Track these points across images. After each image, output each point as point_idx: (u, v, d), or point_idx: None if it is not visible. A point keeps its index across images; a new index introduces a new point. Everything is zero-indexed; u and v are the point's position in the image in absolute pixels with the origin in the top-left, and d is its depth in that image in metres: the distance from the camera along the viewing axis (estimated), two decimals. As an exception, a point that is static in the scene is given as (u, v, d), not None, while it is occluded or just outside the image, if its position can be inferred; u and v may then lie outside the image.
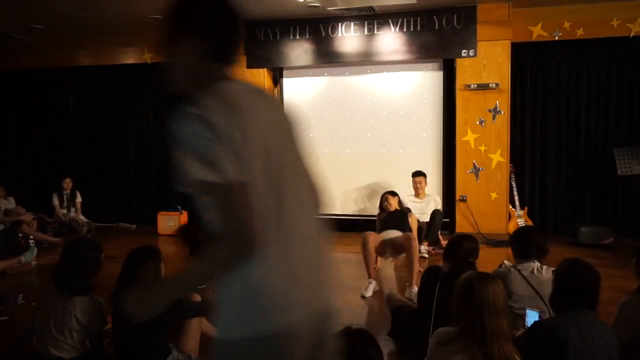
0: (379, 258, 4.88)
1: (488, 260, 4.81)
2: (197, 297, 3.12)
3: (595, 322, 2.14)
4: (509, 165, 6.43)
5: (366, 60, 6.79)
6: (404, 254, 4.66)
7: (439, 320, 2.76)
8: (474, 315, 1.91)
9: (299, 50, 6.91)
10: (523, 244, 2.99)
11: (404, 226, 4.92)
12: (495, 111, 6.37)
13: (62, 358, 2.67)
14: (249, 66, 7.09)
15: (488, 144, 6.42)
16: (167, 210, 7.32)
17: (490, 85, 6.32)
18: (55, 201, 7.49)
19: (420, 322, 2.95)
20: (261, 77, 7.11)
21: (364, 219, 6.97)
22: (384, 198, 5.26)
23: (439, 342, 2.01)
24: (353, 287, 4.64)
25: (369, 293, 4.39)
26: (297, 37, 6.88)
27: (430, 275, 3.07)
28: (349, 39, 6.72)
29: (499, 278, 2.16)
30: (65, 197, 7.51)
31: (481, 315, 1.89)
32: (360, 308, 4.24)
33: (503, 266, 3.31)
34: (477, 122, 6.43)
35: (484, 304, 1.90)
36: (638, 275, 2.72)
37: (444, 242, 5.90)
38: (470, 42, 6.33)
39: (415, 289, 3.93)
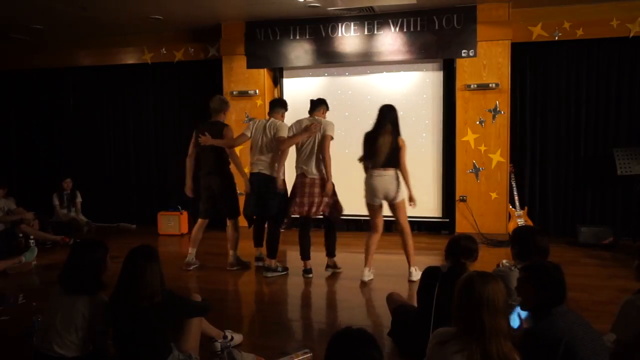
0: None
1: (488, 260, 4.82)
2: (198, 297, 3.12)
3: (574, 314, 2.18)
4: (509, 165, 6.44)
5: (366, 61, 6.79)
6: None
7: (439, 320, 2.77)
8: (473, 313, 1.91)
9: (299, 51, 6.91)
10: (524, 245, 2.97)
11: None
12: (495, 111, 6.37)
13: (65, 356, 2.68)
14: (249, 66, 7.10)
15: (488, 144, 6.42)
16: (167, 210, 7.33)
17: (490, 85, 6.32)
18: (56, 201, 7.49)
19: (420, 322, 2.95)
20: (261, 77, 7.11)
21: (364, 220, 6.97)
22: None
23: (438, 341, 2.01)
24: (353, 287, 4.65)
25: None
26: (297, 38, 6.88)
27: (429, 275, 3.07)
28: (349, 39, 6.73)
29: (500, 278, 2.15)
30: (65, 197, 7.51)
31: (480, 314, 1.89)
32: (360, 308, 4.24)
33: (502, 265, 3.31)
34: (477, 122, 6.43)
35: (483, 303, 1.90)
36: (638, 278, 2.71)
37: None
38: (470, 42, 6.33)
39: None
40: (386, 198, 4.75)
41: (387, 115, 4.75)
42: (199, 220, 5.37)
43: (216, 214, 5.35)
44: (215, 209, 5.28)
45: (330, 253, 5.02)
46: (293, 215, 4.91)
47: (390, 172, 4.70)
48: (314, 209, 4.81)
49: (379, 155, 4.69)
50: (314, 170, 4.83)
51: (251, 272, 5.22)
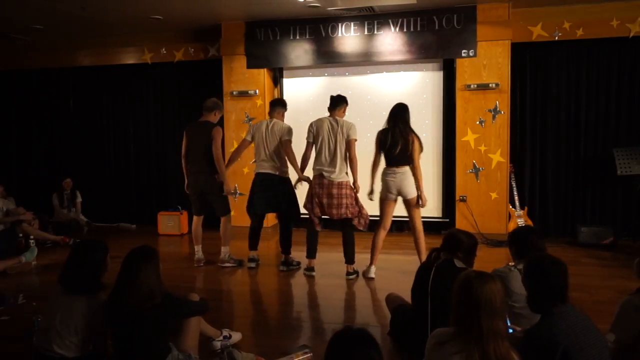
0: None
1: (488, 260, 4.82)
2: (196, 297, 3.12)
3: (577, 315, 2.13)
4: (509, 165, 6.43)
5: (366, 61, 6.79)
6: None
7: (435, 315, 2.78)
8: (471, 314, 1.89)
9: (299, 51, 6.91)
10: (521, 245, 2.98)
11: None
12: (495, 111, 6.37)
13: (65, 356, 2.69)
14: (249, 66, 7.09)
15: (488, 144, 6.42)
16: (167, 210, 7.33)
17: (490, 85, 6.32)
18: (55, 201, 7.50)
19: (417, 319, 2.95)
20: (261, 77, 7.11)
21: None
22: None
23: (437, 342, 2.00)
24: (353, 287, 4.65)
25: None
26: (297, 37, 6.88)
27: (424, 270, 3.07)
28: (349, 39, 6.72)
29: (499, 278, 2.14)
30: (65, 197, 7.52)
31: (478, 315, 1.88)
32: (360, 308, 4.25)
33: (505, 267, 3.31)
34: (477, 122, 6.43)
35: (481, 304, 1.88)
36: (639, 276, 2.71)
37: None
38: (470, 42, 6.33)
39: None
40: (400, 194, 4.79)
41: (399, 114, 4.77)
42: (195, 218, 5.46)
43: (208, 212, 5.44)
44: (207, 206, 5.37)
45: (349, 260, 4.94)
46: (305, 216, 4.92)
47: (403, 169, 4.75)
48: (333, 211, 4.81)
49: (392, 153, 4.74)
50: (333, 174, 4.82)
51: (251, 272, 5.22)
